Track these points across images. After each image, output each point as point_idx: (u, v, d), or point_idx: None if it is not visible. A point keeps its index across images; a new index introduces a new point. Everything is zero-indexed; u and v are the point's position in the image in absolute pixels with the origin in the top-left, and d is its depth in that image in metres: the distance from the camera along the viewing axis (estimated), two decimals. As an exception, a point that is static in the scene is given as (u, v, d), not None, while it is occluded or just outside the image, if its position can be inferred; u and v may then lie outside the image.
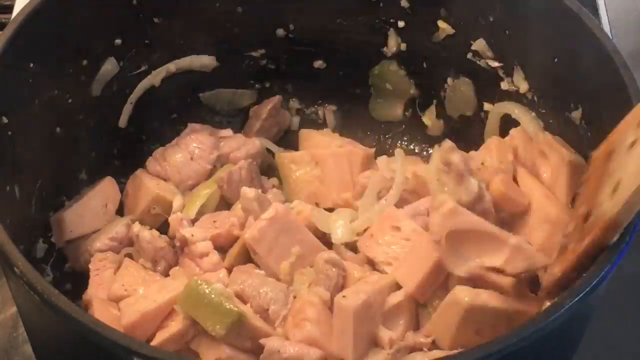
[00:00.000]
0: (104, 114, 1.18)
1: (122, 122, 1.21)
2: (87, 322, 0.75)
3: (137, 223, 1.11)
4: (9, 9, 1.49)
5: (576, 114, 1.06)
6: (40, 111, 1.06)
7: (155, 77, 1.22)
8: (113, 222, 1.13)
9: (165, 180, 1.18)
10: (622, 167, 0.86)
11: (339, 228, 1.09)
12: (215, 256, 1.07)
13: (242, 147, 1.21)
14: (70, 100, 1.11)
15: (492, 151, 1.10)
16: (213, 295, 0.94)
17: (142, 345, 0.73)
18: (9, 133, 0.99)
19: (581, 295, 0.79)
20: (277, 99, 1.28)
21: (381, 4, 1.22)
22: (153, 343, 0.95)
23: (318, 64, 1.28)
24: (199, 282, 0.96)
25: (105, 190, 1.15)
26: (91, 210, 1.13)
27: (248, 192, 1.08)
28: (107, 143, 1.20)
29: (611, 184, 0.87)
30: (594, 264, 0.82)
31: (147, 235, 1.08)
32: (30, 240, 1.07)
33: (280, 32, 1.26)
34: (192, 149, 1.19)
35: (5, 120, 0.98)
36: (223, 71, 1.25)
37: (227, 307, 0.94)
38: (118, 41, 1.16)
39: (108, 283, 1.06)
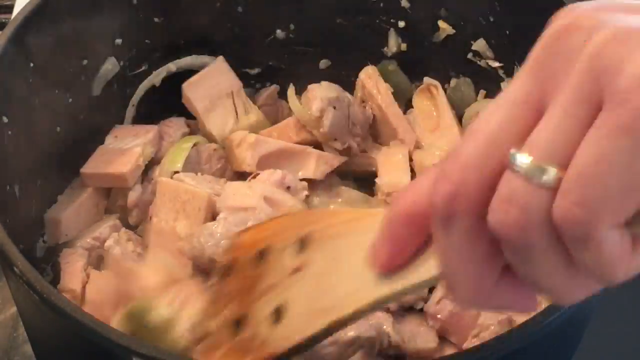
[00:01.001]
0: (105, 113, 1.18)
1: (126, 123, 1.21)
2: (87, 321, 0.75)
3: (114, 235, 1.08)
4: (9, 9, 1.49)
5: (576, 114, 1.06)
6: (41, 111, 1.06)
7: (156, 77, 1.22)
8: (98, 222, 1.12)
9: None
10: (285, 289, 0.74)
11: None
12: None
13: None
14: (70, 100, 1.11)
15: None
16: (152, 326, 0.90)
17: (142, 345, 0.73)
18: (9, 132, 0.99)
19: (581, 295, 0.79)
20: (272, 88, 1.28)
21: (381, 4, 1.22)
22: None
23: (323, 63, 1.28)
24: (141, 307, 0.92)
25: (98, 189, 1.14)
26: (86, 212, 1.12)
27: None
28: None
29: (269, 301, 0.74)
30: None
31: (117, 252, 1.06)
32: (30, 240, 1.07)
33: (280, 32, 1.26)
34: (162, 127, 1.20)
35: (5, 119, 0.98)
36: (223, 72, 1.24)
37: (167, 339, 0.89)
38: (118, 41, 1.16)
39: (80, 275, 1.04)
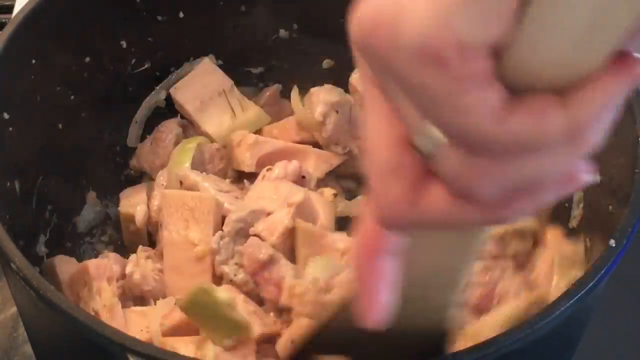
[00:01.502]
0: (107, 111, 1.18)
1: (130, 141, 1.22)
2: (82, 318, 0.75)
3: (132, 258, 1.05)
4: (9, 9, 1.49)
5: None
6: (42, 107, 1.06)
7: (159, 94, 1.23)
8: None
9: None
10: None
11: None
12: None
13: None
14: (72, 97, 1.12)
15: None
16: (218, 306, 0.89)
17: (137, 342, 0.73)
18: (10, 129, 0.99)
19: (580, 295, 0.79)
20: (274, 87, 1.28)
21: (384, 4, 1.22)
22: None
23: (326, 63, 1.28)
24: (204, 289, 0.91)
25: None
26: None
27: None
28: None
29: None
30: (594, 264, 0.82)
31: (138, 277, 1.03)
32: (31, 237, 1.07)
33: (283, 32, 1.26)
34: (156, 134, 1.20)
35: (6, 116, 0.98)
36: (225, 71, 1.24)
37: (234, 319, 0.89)
38: (120, 40, 1.16)
39: None
